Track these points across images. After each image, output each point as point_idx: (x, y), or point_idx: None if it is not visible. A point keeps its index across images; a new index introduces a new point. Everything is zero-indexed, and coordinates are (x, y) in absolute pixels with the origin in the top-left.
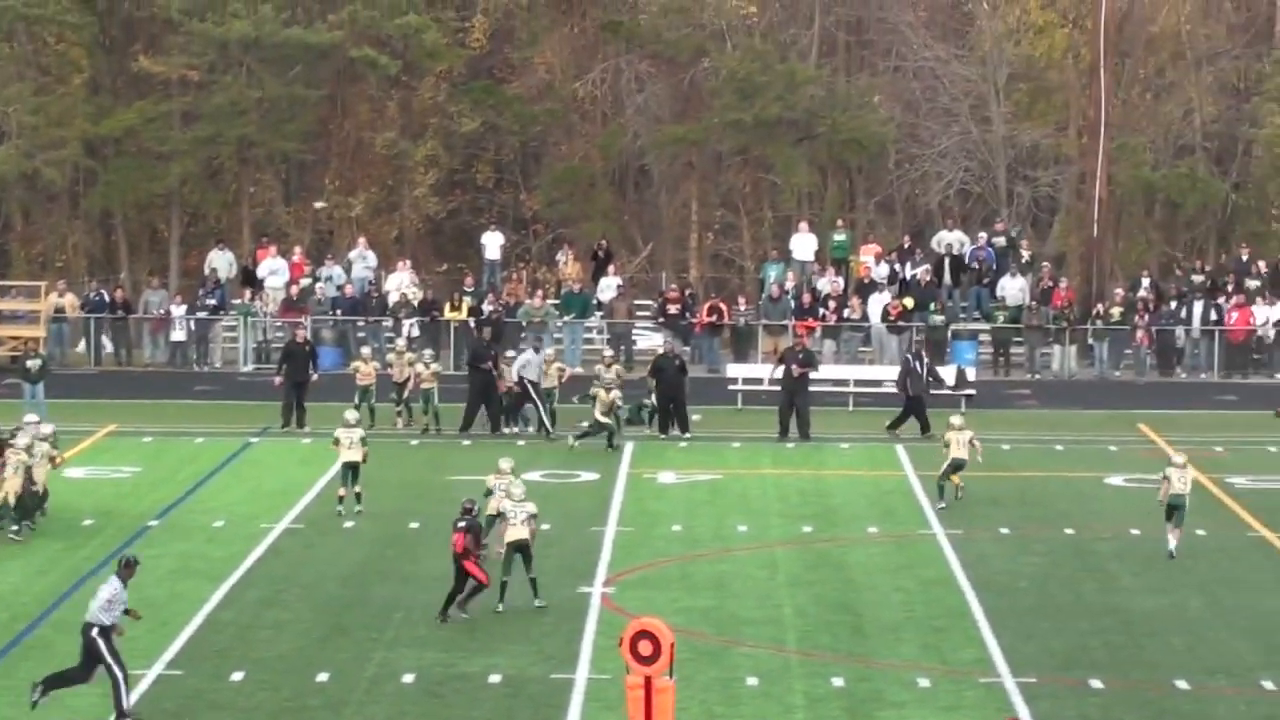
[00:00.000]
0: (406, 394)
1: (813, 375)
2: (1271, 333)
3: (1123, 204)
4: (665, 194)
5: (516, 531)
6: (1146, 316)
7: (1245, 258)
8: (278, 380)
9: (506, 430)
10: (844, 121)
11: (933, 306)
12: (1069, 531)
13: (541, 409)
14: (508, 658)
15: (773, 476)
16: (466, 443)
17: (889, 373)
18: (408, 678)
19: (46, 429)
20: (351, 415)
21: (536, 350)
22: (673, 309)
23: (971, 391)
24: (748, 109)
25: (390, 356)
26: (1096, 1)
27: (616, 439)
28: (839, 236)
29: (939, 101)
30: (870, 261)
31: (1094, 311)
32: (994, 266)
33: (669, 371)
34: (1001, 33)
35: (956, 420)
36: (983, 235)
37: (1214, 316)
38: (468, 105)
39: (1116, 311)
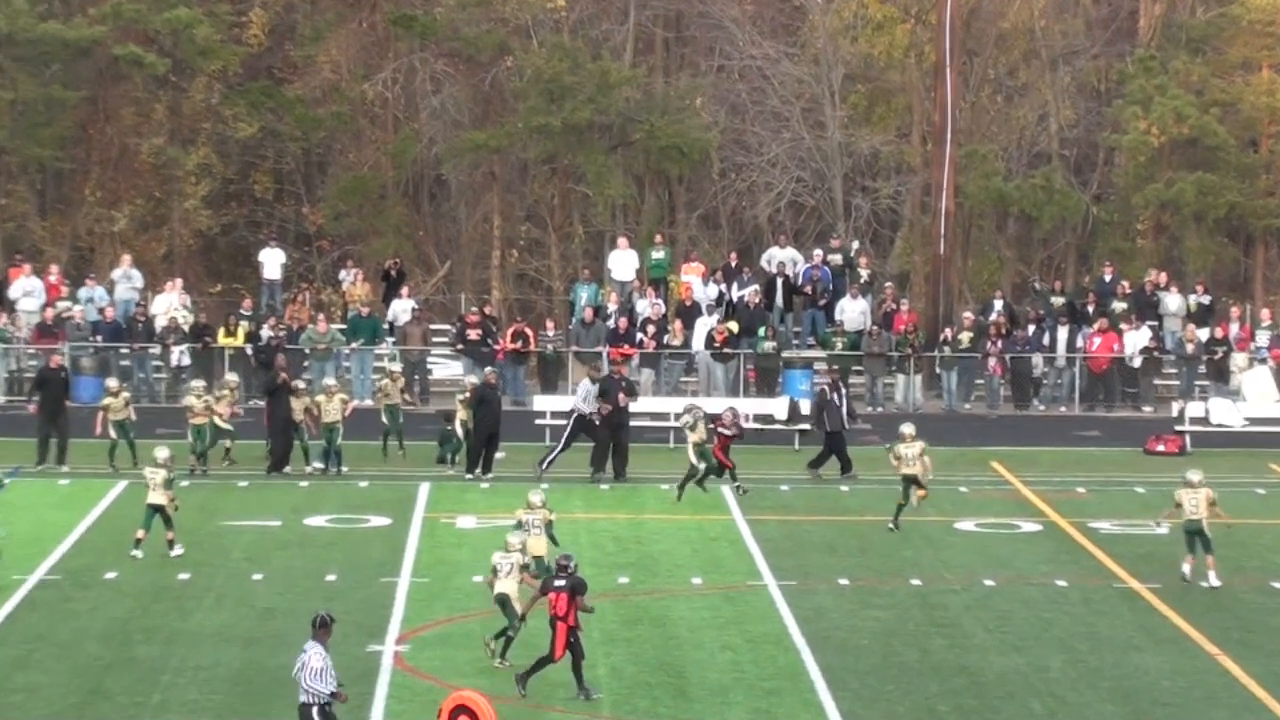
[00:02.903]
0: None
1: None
2: (1138, 361)
3: (972, 218)
4: (464, 207)
5: (502, 584)
6: (999, 343)
7: (1108, 278)
8: (32, 407)
9: (288, 469)
10: (662, 126)
11: (762, 331)
12: (915, 582)
13: (560, 451)
14: None
15: (585, 521)
16: (243, 484)
17: (714, 405)
18: None
19: None
20: (160, 453)
21: (594, 380)
22: (473, 334)
23: (806, 426)
24: (555, 113)
25: (217, 399)
26: None
27: (706, 484)
28: (657, 254)
29: (768, 105)
30: (694, 282)
31: (941, 337)
32: (830, 287)
33: (492, 404)
34: (836, 29)
35: (908, 429)
36: (818, 252)
37: (1079, 343)
38: (244, 108)
39: (966, 337)
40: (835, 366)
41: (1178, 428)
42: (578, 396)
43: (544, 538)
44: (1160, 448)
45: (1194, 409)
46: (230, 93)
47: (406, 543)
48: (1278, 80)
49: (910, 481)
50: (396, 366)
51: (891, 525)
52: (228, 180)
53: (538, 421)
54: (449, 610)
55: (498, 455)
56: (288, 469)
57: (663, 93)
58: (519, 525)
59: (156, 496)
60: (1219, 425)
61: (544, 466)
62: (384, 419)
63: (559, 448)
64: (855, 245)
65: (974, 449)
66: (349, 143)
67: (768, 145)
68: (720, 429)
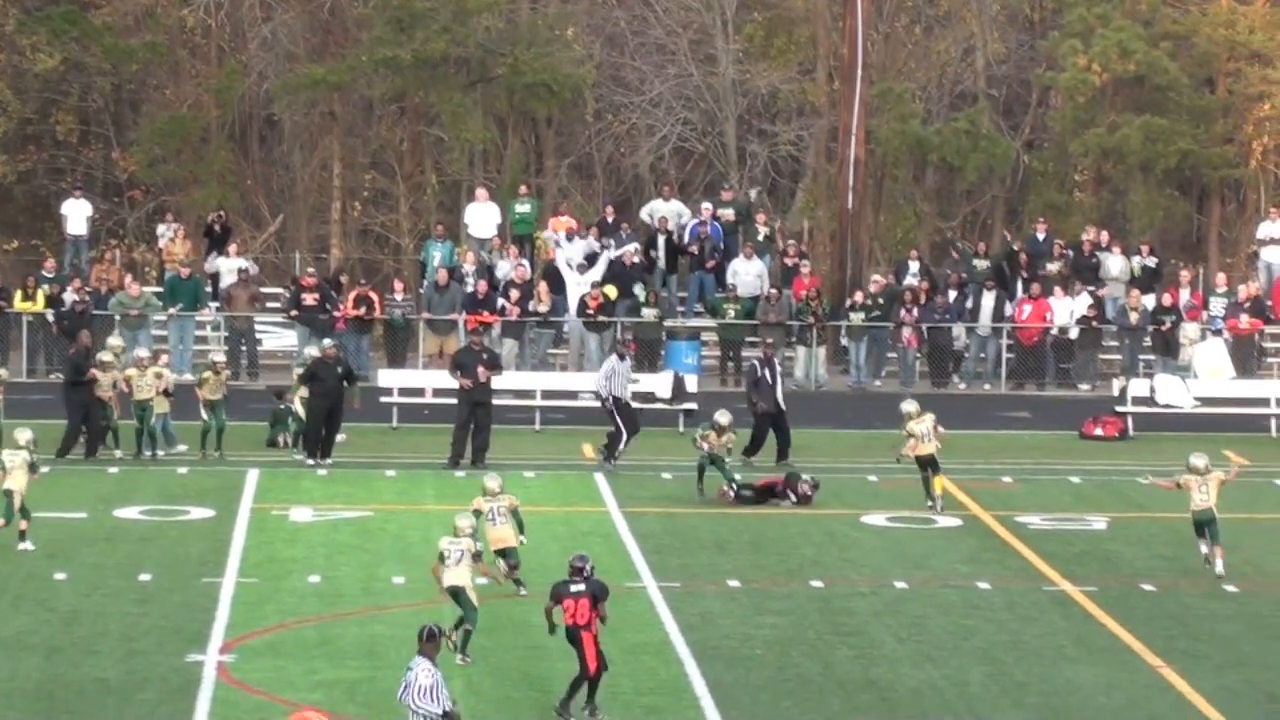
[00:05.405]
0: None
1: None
2: (1075, 332)
3: (885, 167)
4: (299, 152)
5: (453, 575)
6: (915, 311)
7: (1041, 236)
8: None
9: (105, 452)
10: (528, 60)
11: (643, 296)
12: (816, 584)
13: (625, 437)
14: None
15: (438, 514)
16: (44, 470)
17: (586, 381)
18: None
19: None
20: (22, 434)
21: (622, 356)
22: (309, 299)
23: (692, 405)
24: (405, 44)
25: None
26: None
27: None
28: (522, 207)
29: (650, 36)
30: (562, 239)
31: (848, 304)
32: (720, 247)
33: (330, 381)
34: None
35: (911, 406)
36: (706, 206)
37: (1007, 311)
38: (44, 37)
39: (876, 304)
40: (770, 340)
41: (1119, 408)
42: (602, 374)
43: (510, 526)
44: (1098, 431)
45: (1137, 387)
46: (27, 19)
47: (232, 538)
48: (1238, 10)
49: (926, 464)
50: (221, 355)
51: (930, 503)
52: (25, 120)
53: (383, 399)
54: (280, 615)
55: (338, 438)
56: (103, 451)
57: (529, 21)
58: (476, 514)
59: (12, 481)
60: (1166, 406)
61: (613, 462)
62: (203, 414)
63: (623, 435)
64: (755, 191)
65: (884, 432)
66: (166, 77)
67: (650, 83)
68: (800, 486)
